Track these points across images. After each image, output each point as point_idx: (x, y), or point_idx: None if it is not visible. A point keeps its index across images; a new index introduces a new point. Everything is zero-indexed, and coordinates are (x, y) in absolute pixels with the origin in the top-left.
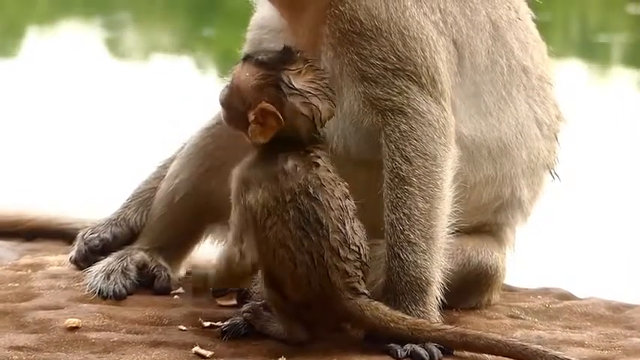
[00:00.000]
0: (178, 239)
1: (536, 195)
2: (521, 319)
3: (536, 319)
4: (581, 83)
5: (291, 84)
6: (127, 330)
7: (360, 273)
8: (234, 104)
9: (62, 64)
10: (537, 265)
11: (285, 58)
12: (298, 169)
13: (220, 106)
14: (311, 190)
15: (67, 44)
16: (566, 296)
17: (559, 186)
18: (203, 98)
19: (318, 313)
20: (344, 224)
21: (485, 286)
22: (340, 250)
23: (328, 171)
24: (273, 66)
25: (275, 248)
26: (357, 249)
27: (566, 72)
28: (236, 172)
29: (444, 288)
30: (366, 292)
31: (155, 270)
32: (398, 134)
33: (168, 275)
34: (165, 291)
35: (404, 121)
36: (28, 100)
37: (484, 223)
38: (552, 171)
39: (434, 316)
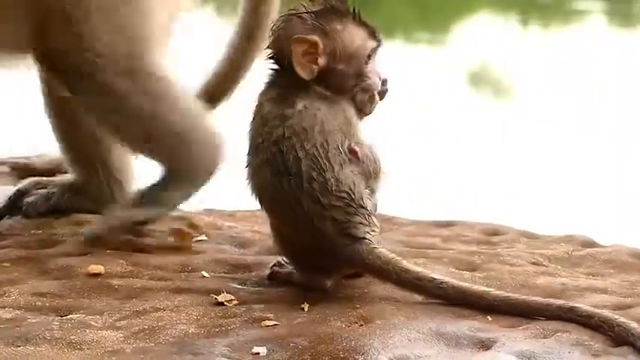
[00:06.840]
0: None
1: None
2: (544, 266)
3: (559, 266)
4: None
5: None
6: (150, 277)
7: (356, 218)
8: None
9: None
10: (560, 212)
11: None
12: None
13: None
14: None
15: None
16: (590, 243)
17: (583, 133)
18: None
19: (326, 259)
20: (323, 171)
21: None
22: (321, 198)
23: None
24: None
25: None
26: (346, 195)
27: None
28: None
29: None
30: (366, 236)
31: None
32: None
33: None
34: None
35: None
36: None
37: None
38: None
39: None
